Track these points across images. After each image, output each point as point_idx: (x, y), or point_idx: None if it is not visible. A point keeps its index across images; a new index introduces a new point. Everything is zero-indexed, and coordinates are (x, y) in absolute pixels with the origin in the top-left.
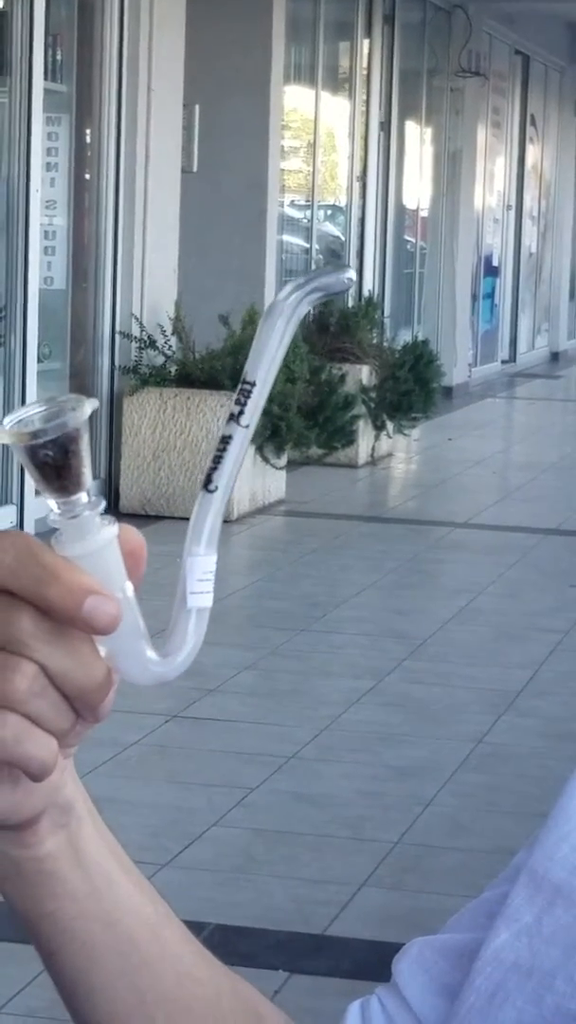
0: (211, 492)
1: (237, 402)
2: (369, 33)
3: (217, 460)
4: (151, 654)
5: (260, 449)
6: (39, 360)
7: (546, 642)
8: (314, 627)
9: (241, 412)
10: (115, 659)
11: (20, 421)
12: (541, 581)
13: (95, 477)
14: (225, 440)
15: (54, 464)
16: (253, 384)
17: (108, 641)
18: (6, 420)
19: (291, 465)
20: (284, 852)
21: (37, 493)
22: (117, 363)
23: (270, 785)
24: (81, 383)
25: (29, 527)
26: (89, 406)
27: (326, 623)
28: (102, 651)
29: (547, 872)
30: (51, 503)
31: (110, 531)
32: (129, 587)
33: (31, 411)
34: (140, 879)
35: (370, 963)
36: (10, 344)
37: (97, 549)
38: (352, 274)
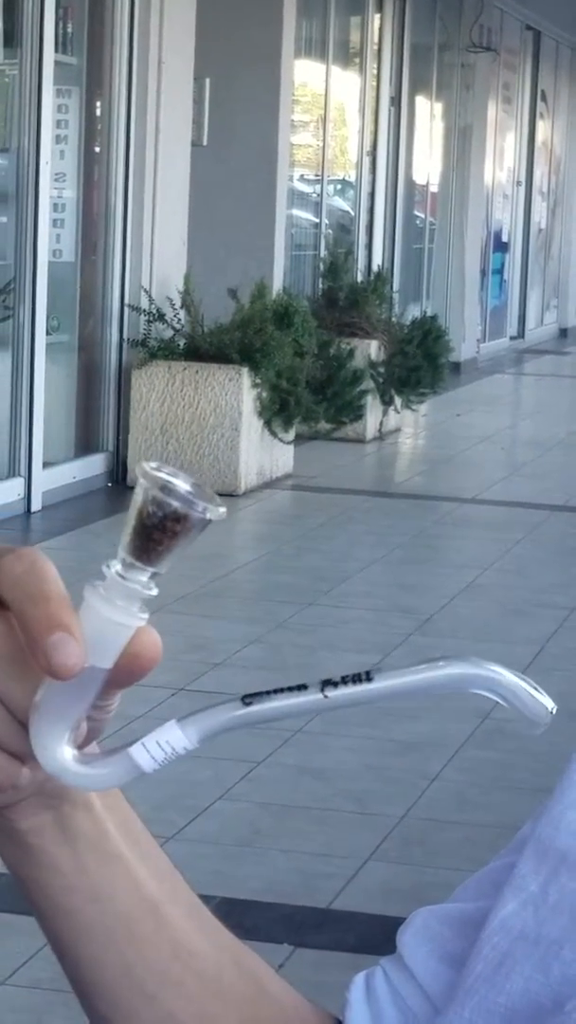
0: (246, 706)
1: (343, 679)
2: (380, 7)
3: (277, 692)
4: (68, 746)
5: (268, 423)
6: (48, 332)
7: (553, 618)
8: (321, 601)
9: (336, 685)
10: (34, 719)
11: (168, 473)
12: (548, 557)
13: (102, 450)
14: (300, 688)
15: (160, 530)
16: (369, 680)
17: (45, 698)
18: (158, 469)
19: (299, 439)
20: (290, 826)
21: (45, 466)
22: (126, 336)
23: (276, 759)
24: (90, 356)
25: (36, 500)
26: (220, 513)
27: (333, 597)
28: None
29: (553, 840)
30: (121, 552)
31: (138, 619)
32: (103, 672)
33: (180, 477)
34: (150, 851)
35: (375, 937)
36: (19, 316)
37: (114, 621)
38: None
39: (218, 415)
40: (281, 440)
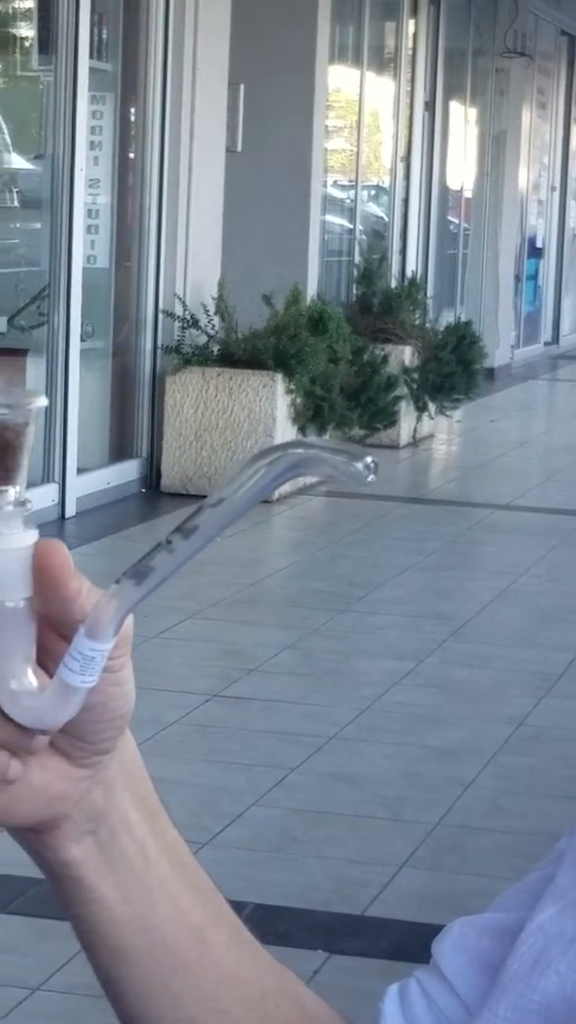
0: (133, 585)
1: (192, 516)
2: (415, 13)
3: (149, 557)
4: (32, 681)
5: (302, 429)
6: (82, 339)
7: None
8: (355, 608)
9: (189, 529)
10: None
11: None
12: None
13: (136, 456)
14: (167, 543)
15: None
16: (204, 508)
17: None
18: None
19: None
20: (324, 832)
21: (79, 472)
22: (160, 342)
23: (310, 765)
24: (124, 362)
25: (70, 506)
26: (40, 403)
27: (367, 604)
28: None
29: None
30: None
31: (26, 537)
32: (25, 601)
33: None
34: (195, 877)
35: (409, 944)
36: (54, 322)
37: (5, 549)
38: (367, 466)
39: (252, 421)
40: None
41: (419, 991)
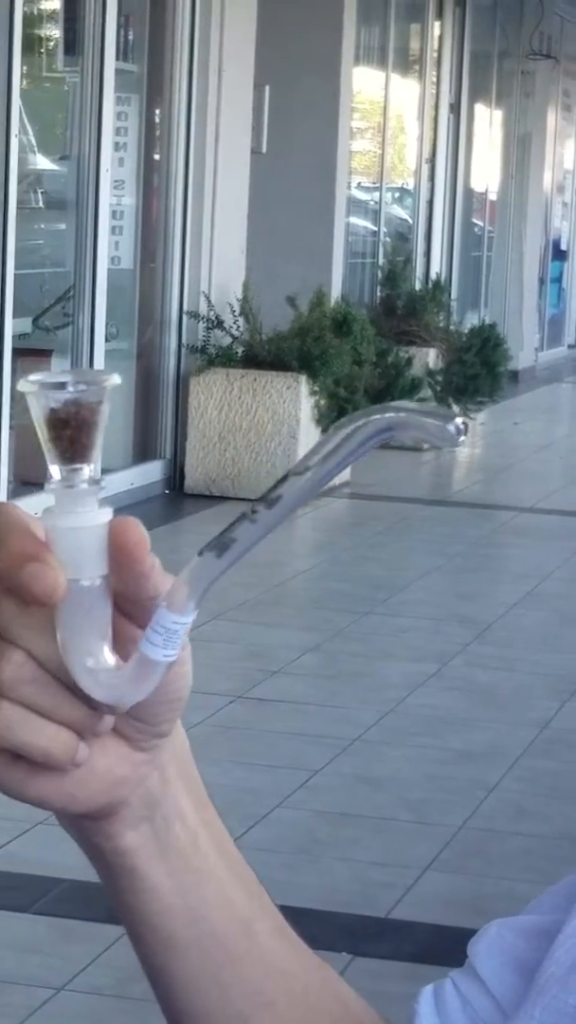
0: (215, 557)
1: (275, 486)
2: (440, 15)
3: (231, 529)
4: (108, 659)
5: (325, 430)
6: (107, 339)
7: None
8: (378, 610)
9: (267, 501)
10: (64, 651)
11: (44, 375)
12: None
13: (160, 456)
14: (250, 514)
15: (66, 426)
16: (299, 475)
17: (62, 630)
18: (32, 376)
19: None
20: (348, 834)
21: (103, 473)
22: (184, 343)
23: (334, 767)
24: (148, 363)
25: None
26: (114, 381)
27: (390, 606)
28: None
29: None
30: (53, 469)
31: (101, 515)
32: (101, 579)
33: (59, 376)
34: (242, 870)
35: (433, 947)
36: (78, 323)
37: (80, 527)
38: (458, 428)
39: (276, 423)
40: None
41: (454, 992)
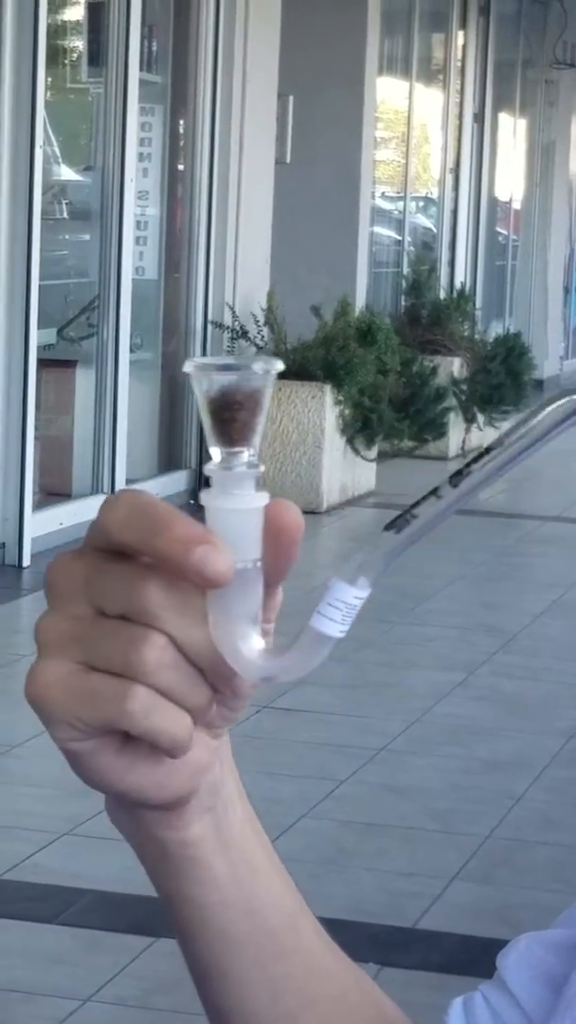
0: (397, 531)
1: (467, 465)
2: (464, 24)
3: (416, 506)
4: (257, 642)
5: (351, 441)
6: (131, 350)
7: None
8: (404, 619)
9: (461, 475)
10: (218, 634)
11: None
12: None
13: (185, 467)
14: (435, 491)
15: (228, 409)
16: (490, 454)
17: (215, 612)
18: (198, 358)
19: (381, 457)
20: (374, 844)
21: (128, 483)
22: (209, 353)
23: (360, 777)
24: (173, 373)
25: None
26: (278, 367)
27: (416, 616)
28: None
29: None
30: (214, 451)
31: (259, 497)
32: (255, 562)
33: (225, 359)
34: (281, 867)
35: (461, 957)
36: (103, 334)
37: (238, 509)
38: None
39: (301, 432)
40: (364, 457)
41: (484, 1005)
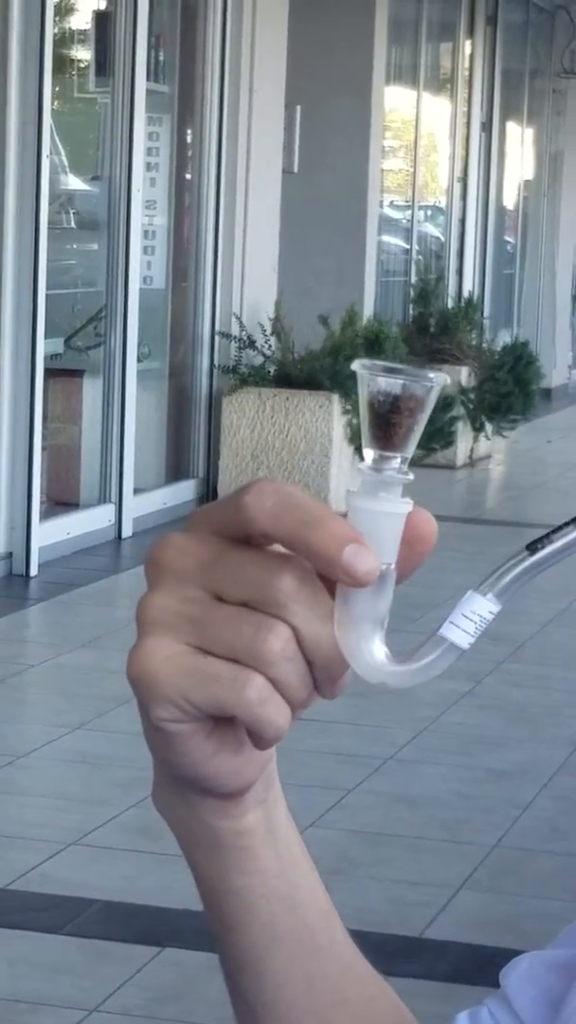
0: (532, 553)
1: None
2: (471, 34)
3: (556, 531)
4: (381, 648)
5: (359, 450)
6: (139, 359)
7: None
8: (411, 628)
9: None
10: (343, 633)
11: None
12: None
13: (193, 476)
14: (575, 521)
15: (388, 413)
16: None
17: (343, 612)
18: (367, 360)
19: None
20: (381, 854)
21: (136, 493)
22: (216, 362)
23: (367, 786)
24: (180, 382)
25: (127, 526)
26: (443, 380)
27: (423, 624)
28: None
29: None
30: (367, 452)
31: (404, 504)
32: (392, 568)
33: (393, 365)
34: (313, 866)
35: (467, 967)
36: (110, 343)
37: (384, 512)
38: None
39: (308, 441)
40: None
41: (490, 1019)
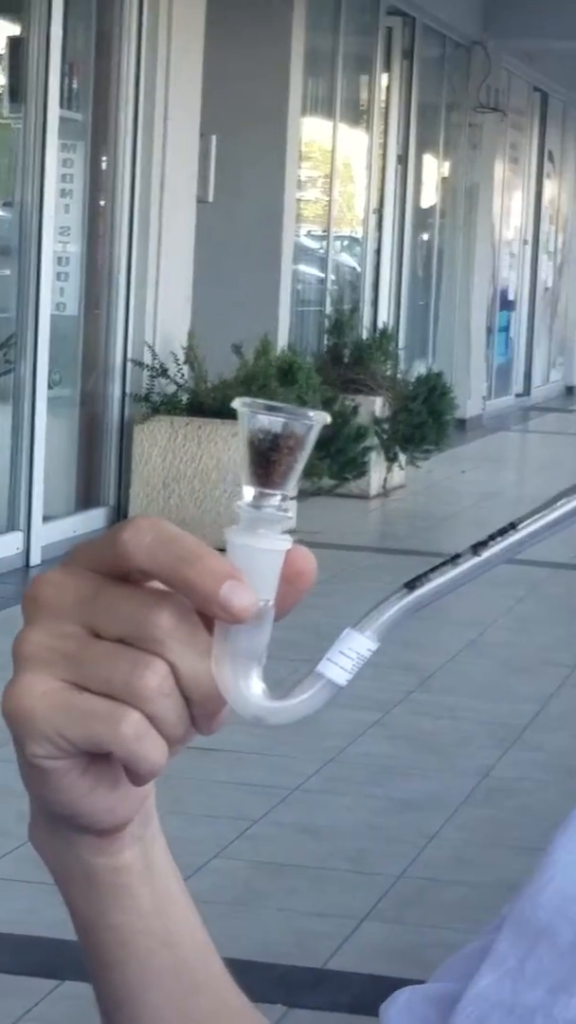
0: (410, 591)
1: (491, 536)
2: (388, 67)
3: (435, 570)
4: (259, 684)
5: None
6: (49, 387)
7: (555, 676)
8: (317, 658)
9: (486, 545)
10: (220, 669)
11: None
12: (551, 615)
13: (103, 504)
14: (454, 559)
15: (269, 449)
16: (515, 529)
17: (220, 648)
18: (247, 398)
19: (302, 495)
20: (285, 885)
21: (45, 520)
22: (128, 390)
23: (273, 817)
24: (92, 410)
25: (35, 554)
26: (324, 419)
27: None
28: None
29: (531, 916)
30: (246, 490)
31: (283, 540)
32: (270, 604)
33: (274, 404)
34: (192, 903)
35: (370, 998)
36: (20, 370)
37: (262, 549)
38: None
39: (220, 470)
40: None
41: None
